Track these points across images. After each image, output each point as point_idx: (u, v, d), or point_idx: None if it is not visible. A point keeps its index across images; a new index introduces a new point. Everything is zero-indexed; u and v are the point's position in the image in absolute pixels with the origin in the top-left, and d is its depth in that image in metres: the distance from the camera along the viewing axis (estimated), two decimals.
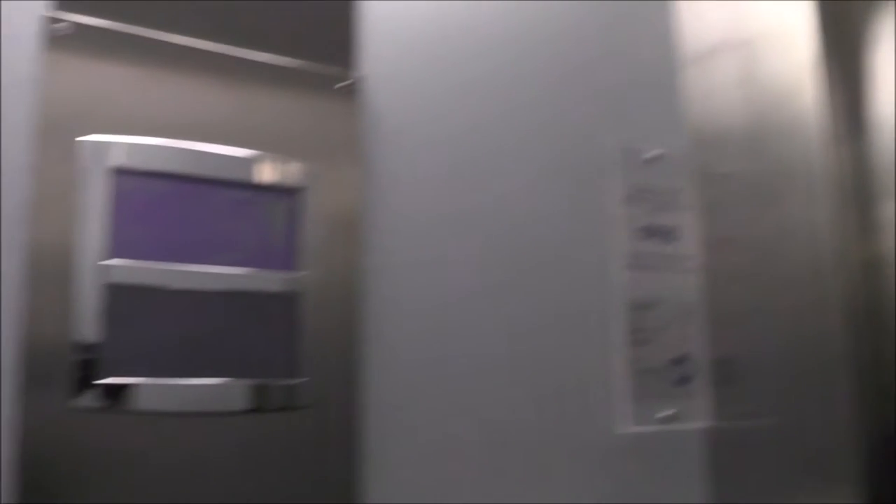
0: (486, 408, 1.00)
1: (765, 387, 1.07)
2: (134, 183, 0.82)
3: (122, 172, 0.81)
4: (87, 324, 0.78)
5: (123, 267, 0.80)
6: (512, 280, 1.04)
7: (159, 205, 0.82)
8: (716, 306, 1.15)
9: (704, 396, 1.14)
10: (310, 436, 0.86)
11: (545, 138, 1.09)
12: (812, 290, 0.99)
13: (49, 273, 0.78)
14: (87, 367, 0.77)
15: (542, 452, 1.03)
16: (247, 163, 0.87)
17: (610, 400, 1.08)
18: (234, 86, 0.88)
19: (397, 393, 0.95)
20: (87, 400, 0.77)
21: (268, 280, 0.86)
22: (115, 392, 0.78)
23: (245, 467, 0.83)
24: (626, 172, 1.13)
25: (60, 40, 0.81)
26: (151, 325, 0.80)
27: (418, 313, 0.97)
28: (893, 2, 0.99)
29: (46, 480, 0.75)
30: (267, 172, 0.87)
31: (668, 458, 1.11)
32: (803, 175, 1.01)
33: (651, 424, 1.10)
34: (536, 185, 1.07)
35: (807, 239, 1.00)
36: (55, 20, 0.81)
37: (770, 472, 1.05)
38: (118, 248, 0.80)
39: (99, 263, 0.79)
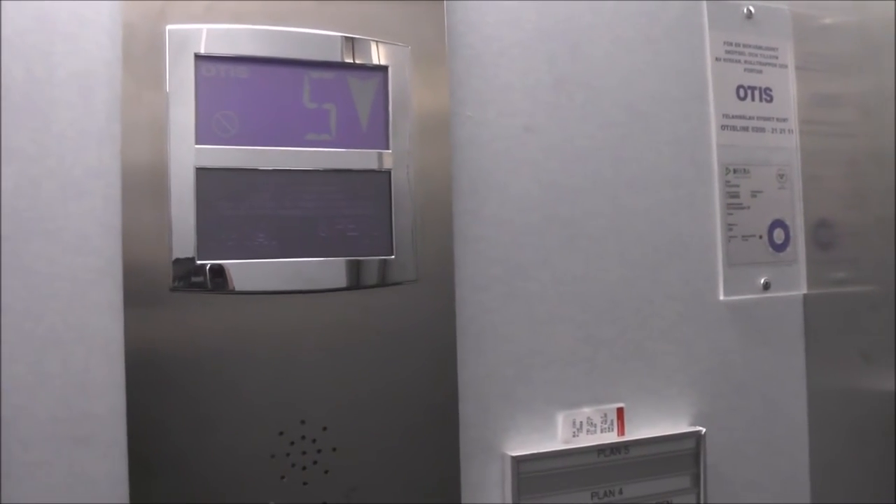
0: (582, 276, 1.00)
1: (863, 252, 1.04)
2: (221, 68, 0.81)
3: (208, 59, 0.81)
4: (183, 208, 0.78)
5: (214, 150, 0.80)
6: (606, 143, 1.01)
7: (247, 89, 0.82)
8: (813, 168, 1.11)
9: (802, 262, 1.12)
10: (407, 312, 0.87)
11: None
12: None
13: (143, 162, 0.78)
14: (183, 250, 0.78)
15: (641, 322, 1.03)
16: (333, 42, 0.85)
17: (709, 267, 1.07)
18: None
19: (491, 269, 0.95)
20: (187, 283, 0.79)
21: (359, 158, 0.85)
22: (213, 274, 0.79)
23: (343, 345, 0.84)
24: (721, 28, 1.09)
25: None
26: (244, 206, 0.81)
27: (510, 183, 0.96)
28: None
29: (149, 363, 0.77)
30: (353, 52, 0.86)
31: (766, 324, 1.10)
32: None
33: (750, 292, 1.08)
34: (628, 45, 1.04)
35: None
36: None
37: (867, 341, 1.03)
38: (208, 134, 0.80)
39: (190, 148, 0.79)
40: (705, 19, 1.07)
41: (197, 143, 0.79)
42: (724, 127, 1.07)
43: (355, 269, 0.84)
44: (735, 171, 1.07)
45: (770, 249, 1.09)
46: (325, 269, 0.83)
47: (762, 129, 1.10)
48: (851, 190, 1.06)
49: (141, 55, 0.79)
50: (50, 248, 0.77)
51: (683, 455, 1.01)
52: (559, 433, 0.96)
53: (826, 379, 1.09)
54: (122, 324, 0.78)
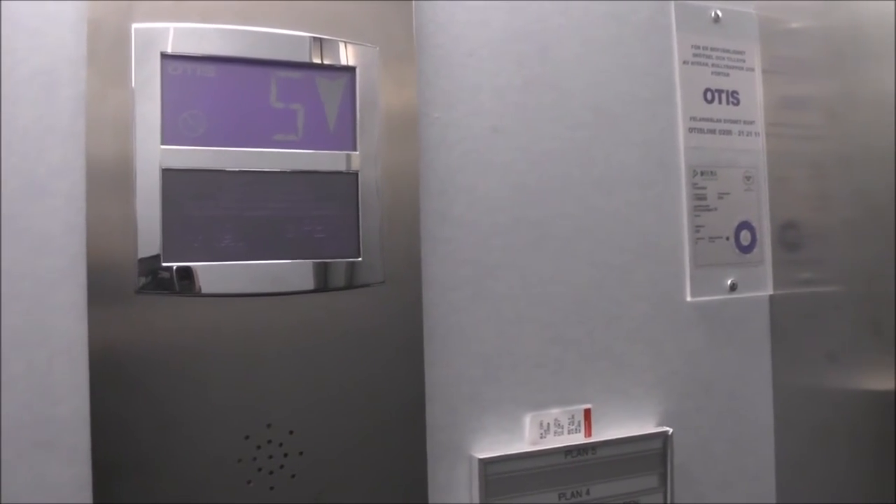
0: (550, 278, 1.00)
1: (829, 253, 1.05)
2: (188, 67, 0.80)
3: (175, 58, 0.80)
4: (148, 209, 0.78)
5: (180, 151, 0.79)
6: (574, 144, 1.02)
7: (214, 88, 0.81)
8: (780, 170, 1.12)
9: (768, 263, 1.13)
10: (374, 314, 0.87)
11: None
12: (880, 154, 0.96)
13: (107, 161, 0.77)
14: (149, 252, 0.78)
15: (609, 323, 1.03)
16: (301, 42, 0.85)
17: (677, 268, 1.07)
18: None
19: (459, 270, 0.95)
20: (152, 284, 0.78)
21: (327, 159, 0.85)
22: (180, 276, 0.79)
23: (310, 347, 0.84)
24: (689, 31, 1.09)
25: None
26: (211, 208, 0.80)
27: (478, 184, 0.96)
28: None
29: (114, 366, 0.76)
30: (322, 52, 0.85)
31: (733, 324, 1.11)
32: (875, 32, 0.97)
33: (717, 293, 1.09)
34: (597, 47, 1.04)
35: (875, 100, 0.97)
36: None
37: (832, 341, 1.04)
38: (174, 134, 0.79)
39: (156, 149, 0.78)
40: (673, 22, 1.08)
41: (163, 143, 0.78)
42: (691, 129, 1.07)
43: (323, 271, 0.84)
44: (702, 173, 1.08)
45: (737, 251, 1.10)
46: (293, 271, 0.83)
47: (729, 132, 1.10)
48: (817, 192, 1.07)
49: (106, 53, 0.78)
50: (12, 248, 0.76)
51: (650, 455, 1.01)
52: (526, 434, 0.96)
53: (792, 378, 1.11)
54: (85, 325, 0.77)
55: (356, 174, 0.86)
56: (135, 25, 0.78)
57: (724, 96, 1.10)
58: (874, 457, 0.97)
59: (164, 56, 0.79)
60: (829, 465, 1.05)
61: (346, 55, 0.86)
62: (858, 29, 1.00)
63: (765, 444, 1.13)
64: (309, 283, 0.84)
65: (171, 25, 0.80)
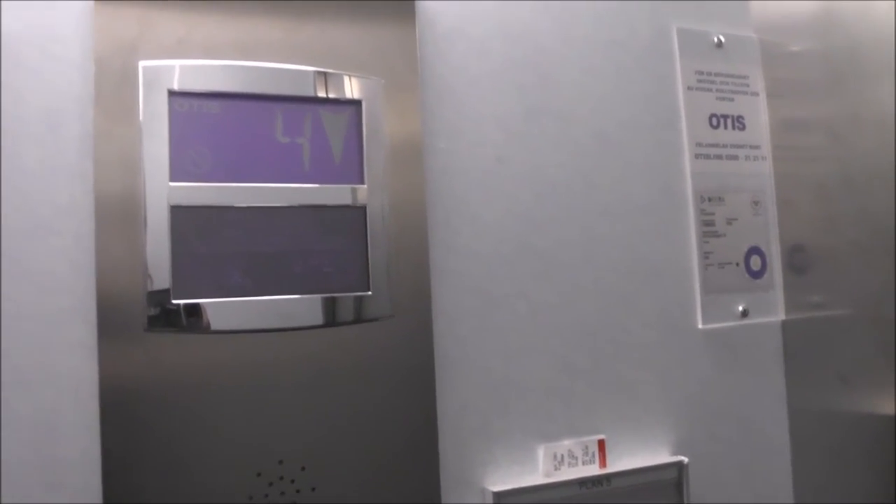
0: (557, 306, 0.99)
1: (837, 276, 1.04)
2: (194, 104, 0.81)
3: (181, 94, 0.80)
4: (157, 246, 0.77)
5: (188, 188, 0.79)
6: (578, 172, 1.02)
7: (220, 124, 0.81)
8: (786, 193, 1.12)
9: (779, 288, 1.12)
10: (384, 348, 0.86)
11: (606, 26, 1.05)
12: (883, 173, 0.96)
13: (115, 199, 0.77)
14: (159, 289, 0.77)
15: (618, 352, 1.02)
16: (305, 77, 0.85)
17: (686, 295, 1.07)
18: (288, 2, 0.86)
19: (466, 300, 0.94)
20: (162, 322, 0.77)
21: (333, 193, 0.85)
22: (189, 313, 0.78)
23: (320, 382, 0.83)
24: (692, 57, 1.09)
25: None
26: (219, 244, 0.80)
27: (483, 213, 0.96)
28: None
29: (124, 405, 0.76)
30: (326, 86, 0.86)
31: (745, 351, 1.10)
32: (874, 53, 0.97)
33: (729, 320, 1.08)
34: (599, 74, 1.04)
35: (877, 120, 0.97)
36: None
37: (845, 364, 1.03)
38: (182, 170, 0.79)
39: (164, 186, 0.78)
40: (676, 48, 1.08)
41: (171, 180, 0.78)
42: (697, 155, 1.07)
43: (331, 306, 0.84)
44: (710, 198, 1.08)
45: (747, 276, 1.09)
46: (301, 307, 0.82)
47: (735, 157, 1.10)
48: (823, 213, 1.07)
49: (112, 91, 0.78)
50: (19, 288, 0.76)
51: (666, 485, 1.00)
52: (540, 466, 0.95)
53: (806, 404, 1.09)
54: (94, 364, 0.76)
55: (363, 207, 0.86)
56: (142, 63, 0.79)
57: (729, 121, 1.10)
58: (893, 480, 0.96)
59: (171, 93, 0.79)
60: (847, 489, 1.03)
61: (351, 88, 0.87)
62: (857, 50, 1.00)
63: (781, 470, 1.12)
64: (318, 319, 0.83)
65: (177, 63, 0.80)
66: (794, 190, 1.11)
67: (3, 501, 0.73)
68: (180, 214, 0.79)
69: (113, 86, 0.78)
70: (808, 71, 1.08)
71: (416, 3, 0.93)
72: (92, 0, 0.79)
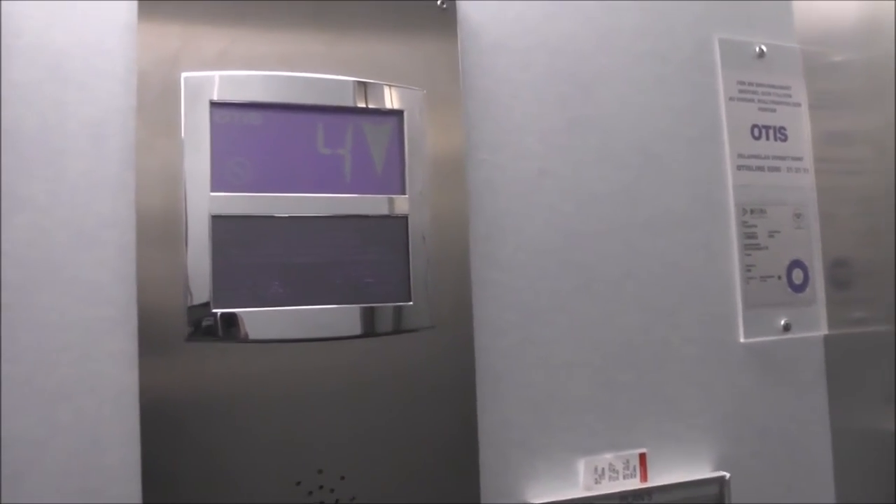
0: (599, 321, 0.98)
1: (881, 291, 1.03)
2: (235, 115, 0.81)
3: (222, 105, 0.81)
4: (198, 256, 0.78)
5: (228, 198, 0.79)
6: (621, 185, 1.01)
7: (261, 135, 0.82)
8: (829, 206, 1.10)
9: (821, 302, 1.11)
10: (424, 359, 0.86)
11: (648, 37, 1.05)
12: None
13: (156, 210, 0.78)
14: (199, 299, 0.77)
15: (660, 366, 1.01)
16: (345, 87, 0.85)
17: (728, 309, 1.06)
18: (329, 13, 0.86)
19: (507, 314, 0.93)
20: (202, 332, 0.78)
21: (374, 204, 0.85)
22: (229, 323, 0.78)
23: (359, 392, 0.83)
24: (734, 67, 1.09)
25: None
26: (259, 254, 0.80)
27: (525, 227, 0.96)
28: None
29: (164, 414, 0.76)
30: (367, 96, 0.86)
31: (788, 366, 1.09)
32: None
33: (771, 334, 1.07)
34: (641, 86, 1.04)
35: None
36: None
37: (890, 382, 1.01)
38: (223, 181, 0.80)
39: (205, 196, 0.78)
40: (718, 59, 1.07)
41: (212, 190, 0.79)
42: (739, 167, 1.06)
43: (371, 317, 0.83)
44: (752, 211, 1.07)
45: (789, 290, 1.08)
46: (341, 317, 0.82)
47: (777, 169, 1.09)
48: (867, 227, 1.06)
49: (154, 103, 0.79)
50: (62, 299, 0.76)
51: (708, 500, 0.99)
52: (581, 480, 0.94)
53: (850, 421, 1.08)
54: (134, 374, 0.77)
55: (405, 218, 0.85)
56: (184, 74, 0.79)
57: (771, 132, 1.09)
58: None
59: (212, 104, 0.80)
60: None
61: (392, 99, 0.87)
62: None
63: (824, 488, 1.10)
64: (357, 328, 0.83)
65: (218, 73, 0.81)
66: (837, 203, 1.10)
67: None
68: (221, 224, 0.79)
69: (155, 98, 0.79)
70: (851, 82, 1.07)
71: (458, 15, 0.92)
72: (135, 14, 0.80)
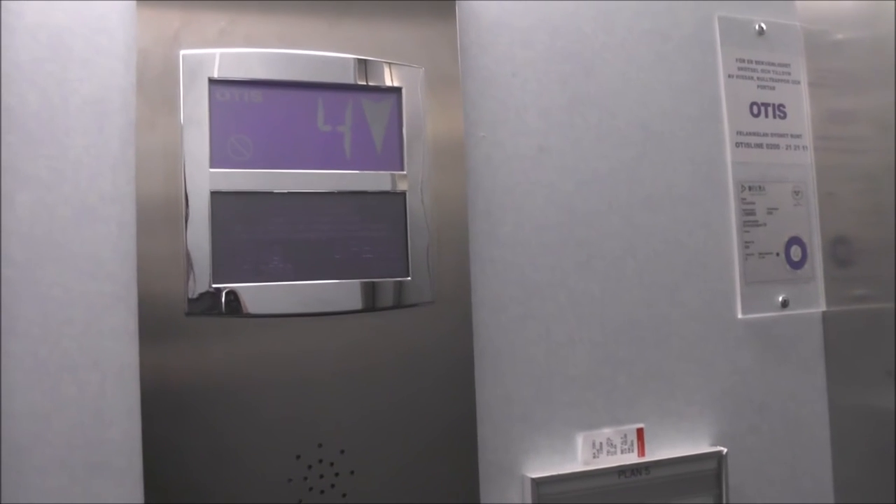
0: (599, 297, 0.99)
1: (882, 269, 1.03)
2: (234, 92, 0.81)
3: (222, 83, 0.81)
4: (198, 233, 0.78)
5: (228, 174, 0.80)
6: (621, 162, 1.01)
7: (261, 112, 0.82)
8: (829, 184, 1.10)
9: (820, 279, 1.11)
10: (423, 333, 0.86)
11: (649, 16, 1.05)
12: None
13: (157, 187, 0.78)
14: (198, 274, 0.78)
15: (660, 342, 1.02)
16: (345, 64, 0.86)
17: (727, 285, 1.06)
18: None
19: (507, 290, 0.94)
20: (202, 307, 0.78)
21: (374, 180, 0.85)
22: (229, 298, 0.79)
23: (359, 367, 0.84)
24: (733, 45, 1.09)
25: None
26: (259, 230, 0.81)
27: (525, 203, 0.96)
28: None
29: (165, 389, 0.77)
30: (366, 74, 0.86)
31: (786, 342, 1.09)
32: None
33: (769, 310, 1.07)
34: (641, 64, 1.04)
35: None
36: None
37: (890, 359, 1.02)
38: (223, 157, 0.80)
39: (205, 172, 0.79)
40: (717, 36, 1.07)
41: (212, 166, 0.79)
42: (738, 144, 1.07)
43: (371, 291, 0.84)
44: (750, 188, 1.07)
45: (787, 267, 1.09)
46: (341, 292, 0.83)
47: (776, 146, 1.09)
48: (869, 206, 1.06)
49: (155, 80, 0.79)
50: (65, 275, 0.77)
51: (705, 475, 0.99)
52: (579, 454, 0.95)
53: (848, 398, 1.08)
54: (136, 349, 0.77)
55: (404, 194, 0.86)
56: (183, 52, 0.80)
57: (770, 110, 1.09)
58: None
59: (211, 81, 0.80)
60: (888, 486, 1.02)
61: (391, 76, 0.87)
62: None
63: (822, 464, 1.11)
64: (357, 303, 0.84)
65: (217, 51, 0.81)
66: (838, 181, 1.10)
67: (52, 482, 0.75)
68: (220, 200, 0.79)
69: (155, 76, 0.79)
70: (852, 60, 1.07)
71: None
72: None
